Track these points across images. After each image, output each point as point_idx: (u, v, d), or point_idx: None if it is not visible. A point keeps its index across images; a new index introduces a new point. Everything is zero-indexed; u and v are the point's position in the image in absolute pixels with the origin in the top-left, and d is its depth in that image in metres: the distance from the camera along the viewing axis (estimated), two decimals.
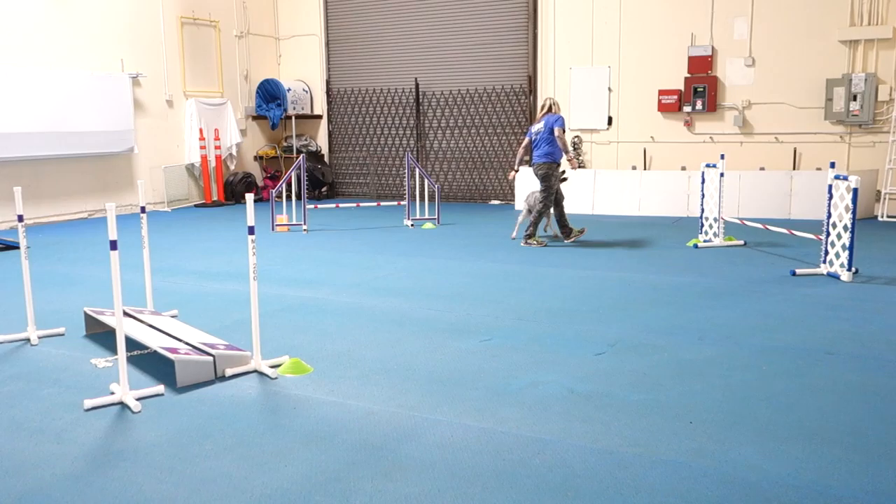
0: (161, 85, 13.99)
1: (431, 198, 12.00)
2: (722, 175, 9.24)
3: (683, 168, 12.82)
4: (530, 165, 9.63)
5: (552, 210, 9.67)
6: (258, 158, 16.26)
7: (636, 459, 3.56)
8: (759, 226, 9.32)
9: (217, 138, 14.79)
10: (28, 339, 5.59)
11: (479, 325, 5.91)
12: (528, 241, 9.48)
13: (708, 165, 9.56)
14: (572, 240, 9.67)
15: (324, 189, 15.85)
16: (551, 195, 9.43)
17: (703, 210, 9.55)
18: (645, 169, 13.33)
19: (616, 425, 3.96)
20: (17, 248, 6.62)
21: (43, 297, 6.67)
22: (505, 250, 9.27)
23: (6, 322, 6.10)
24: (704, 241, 9.40)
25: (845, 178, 7.28)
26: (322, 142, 16.41)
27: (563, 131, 9.38)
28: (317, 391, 4.53)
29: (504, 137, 14.68)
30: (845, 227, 7.23)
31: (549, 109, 9.48)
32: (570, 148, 9.77)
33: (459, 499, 3.23)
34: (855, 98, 11.71)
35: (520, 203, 13.55)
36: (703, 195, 9.54)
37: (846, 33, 11.85)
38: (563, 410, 4.16)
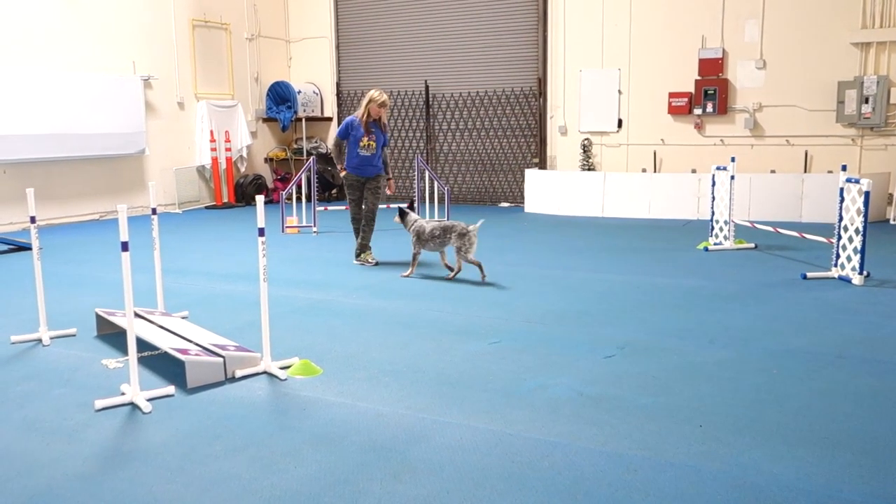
0: (172, 87, 14.06)
1: (441, 200, 12.00)
2: (732, 178, 9.21)
3: (693, 171, 12.78)
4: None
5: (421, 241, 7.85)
6: (268, 160, 16.31)
7: (645, 462, 3.55)
8: (770, 229, 9.28)
9: (228, 140, 14.85)
10: (40, 340, 5.63)
11: (487, 327, 5.91)
12: (358, 258, 8.60)
13: (718, 168, 9.53)
14: (360, 262, 8.59)
15: (334, 191, 15.88)
16: (351, 203, 8.58)
17: (713, 213, 9.52)
18: (655, 171, 13.30)
19: (625, 428, 3.95)
20: (30, 249, 6.67)
21: (55, 298, 6.71)
22: (514, 253, 9.26)
23: (19, 322, 6.14)
24: (714, 244, 9.37)
25: (857, 182, 7.25)
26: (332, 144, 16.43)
27: (338, 136, 8.38)
28: (326, 393, 4.54)
29: (514, 140, 14.68)
30: (857, 231, 7.19)
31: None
32: (337, 157, 8.47)
33: (468, 501, 3.23)
34: (867, 101, 11.65)
35: (529, 205, 13.54)
36: (713, 198, 9.51)
37: (858, 35, 11.79)
38: (572, 413, 4.16)
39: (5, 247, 9.68)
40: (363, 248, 8.62)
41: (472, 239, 7.55)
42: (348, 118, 8.43)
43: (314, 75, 16.31)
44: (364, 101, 8.33)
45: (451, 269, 7.86)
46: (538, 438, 3.83)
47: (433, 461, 3.60)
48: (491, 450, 3.72)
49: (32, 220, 5.49)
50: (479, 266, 7.60)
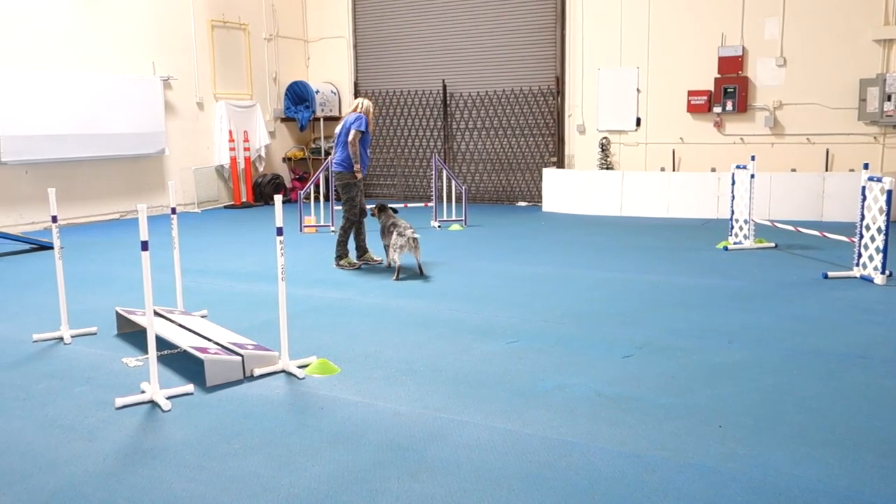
0: (191, 87, 14.15)
1: (458, 199, 12.00)
2: (752, 176, 9.13)
3: (713, 169, 12.68)
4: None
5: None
6: (286, 160, 16.38)
7: (664, 463, 3.53)
8: (791, 228, 9.19)
9: (246, 140, 14.93)
10: (61, 338, 5.69)
11: (505, 327, 5.90)
12: (340, 262, 8.36)
13: (738, 167, 9.46)
14: (358, 265, 8.39)
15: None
16: (354, 208, 8.20)
17: (732, 212, 9.45)
18: (674, 170, 13.22)
19: (644, 429, 3.93)
20: (51, 248, 6.74)
21: (76, 297, 6.78)
22: (532, 252, 9.24)
23: (40, 321, 6.21)
24: (734, 244, 9.29)
25: (879, 180, 7.16)
26: None
27: (362, 130, 7.99)
28: (344, 391, 4.55)
29: (532, 139, 14.64)
30: (879, 230, 7.11)
31: (356, 109, 8.15)
32: (358, 159, 8.04)
33: (485, 500, 3.23)
34: (889, 98, 11.49)
35: (547, 204, 13.51)
36: (733, 197, 9.44)
37: (880, 32, 11.65)
38: (590, 413, 4.14)
39: (27, 246, 9.80)
40: (365, 250, 8.52)
41: (405, 243, 7.66)
42: (362, 115, 8.06)
43: (332, 75, 16.37)
44: (364, 107, 8.10)
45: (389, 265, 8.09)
46: (556, 438, 3.82)
47: (450, 460, 3.60)
48: (508, 449, 3.71)
49: (54, 219, 5.55)
50: (397, 270, 7.75)
